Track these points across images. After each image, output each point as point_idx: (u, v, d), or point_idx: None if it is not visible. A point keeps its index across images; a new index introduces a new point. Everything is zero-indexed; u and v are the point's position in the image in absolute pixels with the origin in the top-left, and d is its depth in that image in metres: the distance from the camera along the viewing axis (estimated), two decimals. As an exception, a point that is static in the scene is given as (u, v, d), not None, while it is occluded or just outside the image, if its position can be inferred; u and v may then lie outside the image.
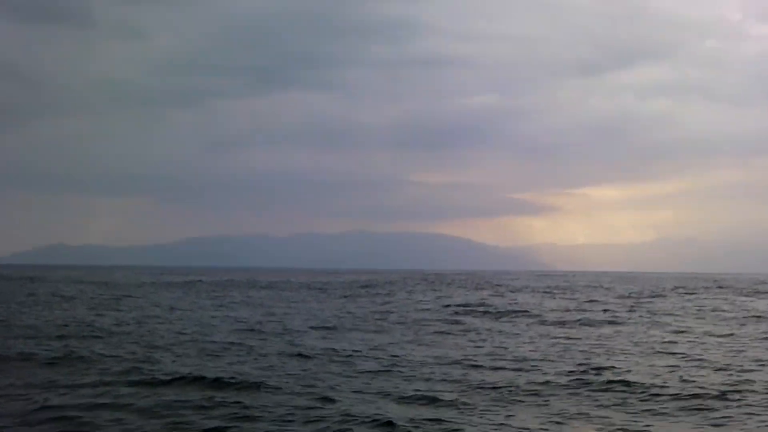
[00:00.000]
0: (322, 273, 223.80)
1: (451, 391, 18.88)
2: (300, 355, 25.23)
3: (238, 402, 17.04)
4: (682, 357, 25.91)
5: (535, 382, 20.20)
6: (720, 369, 23.03)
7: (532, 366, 23.40)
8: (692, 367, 23.53)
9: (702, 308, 53.85)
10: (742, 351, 27.86)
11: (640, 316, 45.40)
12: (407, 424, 15.14)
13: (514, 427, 15.24)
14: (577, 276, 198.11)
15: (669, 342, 30.75)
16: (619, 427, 15.40)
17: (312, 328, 35.83)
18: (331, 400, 17.37)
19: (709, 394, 18.60)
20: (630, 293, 79.29)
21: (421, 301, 62.25)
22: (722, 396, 18.35)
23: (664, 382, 20.30)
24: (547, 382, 20.22)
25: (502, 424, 15.49)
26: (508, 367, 23.27)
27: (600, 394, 18.84)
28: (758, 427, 15.54)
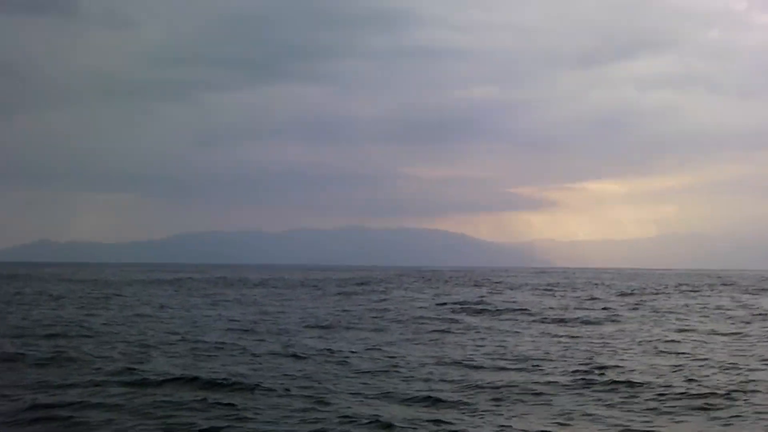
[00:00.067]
0: (316, 270, 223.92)
1: (452, 392, 18.93)
2: (295, 355, 25.26)
3: (232, 404, 17.05)
4: (687, 356, 26.00)
5: (537, 382, 20.26)
6: (726, 368, 23.11)
7: (534, 366, 23.47)
8: (697, 366, 23.60)
9: (706, 306, 54.02)
10: (748, 350, 27.97)
11: (643, 315, 45.53)
12: (406, 426, 15.19)
13: (516, 428, 15.29)
14: (577, 273, 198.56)
15: (673, 341, 30.83)
16: (624, 427, 15.47)
17: (307, 327, 35.87)
18: (328, 402, 17.41)
19: (714, 393, 18.68)
20: (632, 290, 79.53)
21: (418, 298, 62.34)
22: (728, 396, 18.42)
23: (669, 382, 20.38)
24: (549, 382, 20.29)
25: (503, 425, 15.54)
26: (509, 366, 23.34)
27: (603, 393, 18.90)
28: (766, 427, 15.61)
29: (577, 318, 41.69)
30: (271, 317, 41.30)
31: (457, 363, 23.97)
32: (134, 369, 21.45)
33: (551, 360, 24.76)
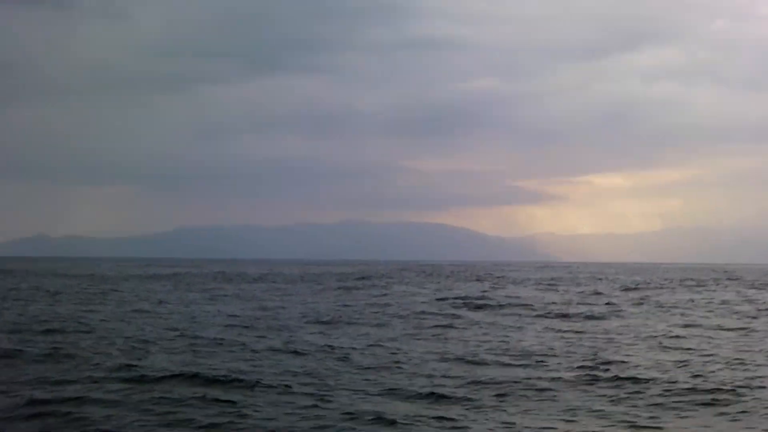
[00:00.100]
0: (316, 265, 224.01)
1: (455, 388, 18.94)
2: (295, 351, 25.28)
3: (232, 401, 17.07)
4: (692, 352, 26.03)
5: (541, 378, 20.29)
6: (732, 364, 23.14)
7: (537, 361, 23.50)
8: (703, 362, 23.63)
9: (711, 301, 54.07)
10: (755, 345, 27.99)
11: (647, 310, 45.57)
12: (410, 423, 15.20)
13: (521, 424, 15.32)
14: (580, 267, 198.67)
15: (678, 336, 30.86)
16: (630, 423, 15.49)
17: (307, 322, 35.91)
18: (330, 399, 17.42)
19: (721, 389, 18.70)
20: (636, 285, 79.56)
21: (419, 293, 62.39)
22: (735, 392, 18.43)
23: (675, 378, 20.40)
24: (553, 378, 20.32)
25: (508, 422, 15.56)
26: (512, 362, 23.37)
27: (609, 389, 18.92)
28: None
29: (581, 313, 41.73)
30: (270, 312, 41.34)
31: (460, 359, 23.99)
32: (133, 365, 21.45)
33: (555, 356, 24.79)
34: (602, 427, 15.22)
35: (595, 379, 20.18)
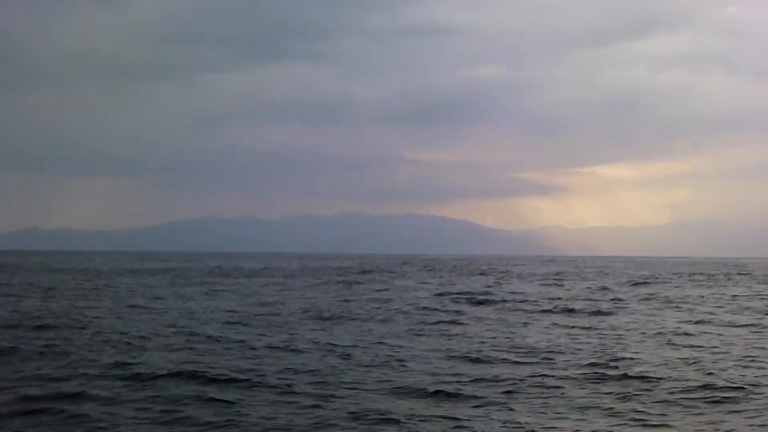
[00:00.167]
0: (315, 258, 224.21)
1: (461, 386, 18.97)
2: (296, 349, 25.33)
3: (230, 399, 17.12)
4: (702, 348, 26.06)
5: (548, 375, 20.32)
6: (742, 361, 23.18)
7: (543, 358, 23.55)
8: (713, 359, 23.66)
9: (722, 296, 54.12)
10: (767, 343, 28.03)
11: (656, 305, 45.62)
12: (415, 422, 15.25)
13: (526, 422, 15.36)
14: (586, 261, 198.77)
15: (687, 333, 30.90)
16: (639, 420, 15.54)
17: (308, 318, 35.95)
18: (332, 398, 17.46)
19: (731, 387, 18.74)
20: (644, 280, 79.61)
21: (421, 288, 62.46)
22: (746, 389, 18.48)
23: (684, 375, 20.43)
24: (561, 375, 20.36)
25: (515, 420, 15.60)
26: (517, 359, 23.41)
27: (617, 387, 18.94)
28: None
29: (588, 309, 41.77)
30: (269, 308, 41.38)
31: (465, 356, 24.03)
32: (128, 363, 21.53)
33: (562, 352, 24.83)
34: (612, 425, 15.26)
35: (603, 377, 20.22)
